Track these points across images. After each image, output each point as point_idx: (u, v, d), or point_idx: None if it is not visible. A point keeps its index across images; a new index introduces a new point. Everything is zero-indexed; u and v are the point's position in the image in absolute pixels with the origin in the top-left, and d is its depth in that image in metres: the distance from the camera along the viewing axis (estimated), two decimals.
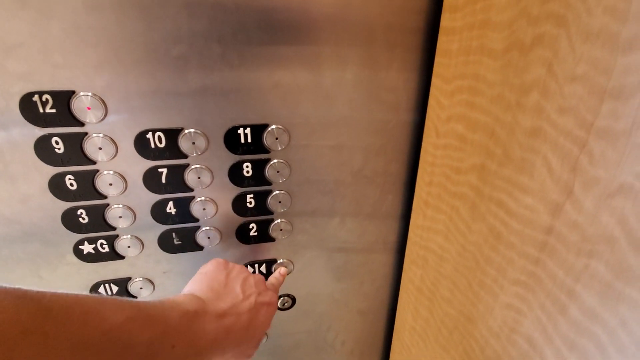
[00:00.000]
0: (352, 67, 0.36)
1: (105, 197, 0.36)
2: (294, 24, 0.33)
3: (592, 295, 0.21)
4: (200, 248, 0.41)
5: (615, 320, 0.20)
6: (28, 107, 0.31)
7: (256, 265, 0.44)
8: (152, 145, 0.35)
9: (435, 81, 0.36)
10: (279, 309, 0.48)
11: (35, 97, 0.31)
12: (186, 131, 0.35)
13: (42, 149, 0.32)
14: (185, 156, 0.36)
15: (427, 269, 0.41)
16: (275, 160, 0.38)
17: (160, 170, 0.36)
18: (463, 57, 0.32)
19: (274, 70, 0.34)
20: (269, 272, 0.45)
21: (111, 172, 0.35)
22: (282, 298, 0.47)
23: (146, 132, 0.34)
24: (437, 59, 0.36)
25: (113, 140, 0.34)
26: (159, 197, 0.37)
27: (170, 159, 0.36)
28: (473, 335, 0.34)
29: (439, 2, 0.35)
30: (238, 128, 0.36)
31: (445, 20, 0.34)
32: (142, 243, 0.39)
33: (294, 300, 0.48)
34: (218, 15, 0.31)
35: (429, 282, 0.41)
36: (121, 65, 0.31)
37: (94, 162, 0.34)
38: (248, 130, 0.36)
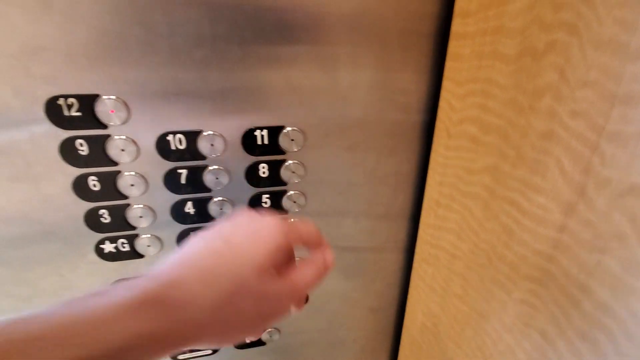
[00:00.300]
0: (366, 69, 0.37)
1: (126, 197, 0.37)
2: (311, 26, 0.34)
3: (604, 289, 0.23)
4: None
5: (626, 312, 0.21)
6: (53, 110, 0.32)
7: None
8: (173, 147, 0.36)
9: (446, 84, 0.37)
10: None
11: (61, 101, 0.32)
12: (205, 133, 0.36)
13: (67, 150, 0.33)
14: (204, 157, 0.37)
15: (438, 267, 0.43)
16: (291, 161, 0.39)
17: (180, 171, 0.37)
18: (475, 62, 0.33)
19: (290, 73, 0.36)
20: None
21: (133, 173, 0.36)
22: None
23: (167, 134, 0.35)
24: (448, 63, 0.37)
25: (135, 142, 0.35)
26: (178, 197, 0.38)
27: (190, 160, 0.37)
28: (486, 330, 0.35)
29: (449, 8, 0.36)
30: (255, 130, 0.37)
31: (456, 26, 0.35)
32: (162, 242, 0.40)
33: (306, 298, 0.49)
34: (238, 18, 0.32)
35: (441, 280, 0.42)
36: (145, 68, 0.32)
37: (116, 164, 0.35)
38: (265, 132, 0.37)
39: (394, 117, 0.40)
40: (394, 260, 0.50)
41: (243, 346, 0.50)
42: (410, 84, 0.39)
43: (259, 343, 0.51)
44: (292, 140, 0.38)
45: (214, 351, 0.49)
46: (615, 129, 0.21)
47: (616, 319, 0.22)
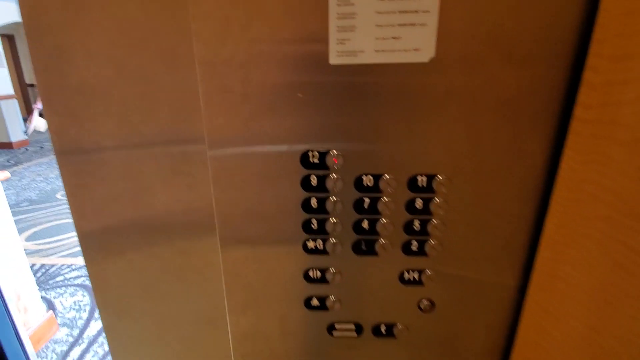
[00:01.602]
0: (498, 136, 0.52)
1: (328, 213, 0.57)
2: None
3: None
4: (376, 254, 0.59)
5: None
6: (304, 158, 0.54)
7: (410, 271, 0.61)
8: (364, 184, 0.55)
9: (568, 152, 0.50)
10: (421, 309, 0.63)
11: (309, 153, 0.54)
12: (386, 177, 0.54)
13: (305, 181, 0.55)
14: (380, 191, 0.56)
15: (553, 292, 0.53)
16: (438, 200, 0.56)
17: (365, 199, 0.56)
18: (593, 140, 0.45)
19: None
20: (419, 277, 0.61)
21: (336, 198, 0.56)
22: (422, 300, 0.62)
23: (363, 174, 0.55)
24: (571, 137, 0.50)
25: (342, 179, 0.55)
26: (359, 216, 0.57)
27: (372, 192, 0.56)
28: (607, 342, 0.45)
29: (573, 98, 0.49)
30: (415, 176, 0.54)
31: (579, 112, 0.48)
32: (342, 246, 0.59)
33: (432, 303, 0.63)
34: (469, 106, 0.51)
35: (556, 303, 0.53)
36: (361, 144, 0.53)
37: (328, 191, 0.56)
38: (425, 178, 0.54)
39: (521, 177, 0.54)
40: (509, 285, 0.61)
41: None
42: (537, 147, 0.53)
43: (390, 334, 0.66)
44: (442, 184, 0.55)
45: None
46: None
47: None
